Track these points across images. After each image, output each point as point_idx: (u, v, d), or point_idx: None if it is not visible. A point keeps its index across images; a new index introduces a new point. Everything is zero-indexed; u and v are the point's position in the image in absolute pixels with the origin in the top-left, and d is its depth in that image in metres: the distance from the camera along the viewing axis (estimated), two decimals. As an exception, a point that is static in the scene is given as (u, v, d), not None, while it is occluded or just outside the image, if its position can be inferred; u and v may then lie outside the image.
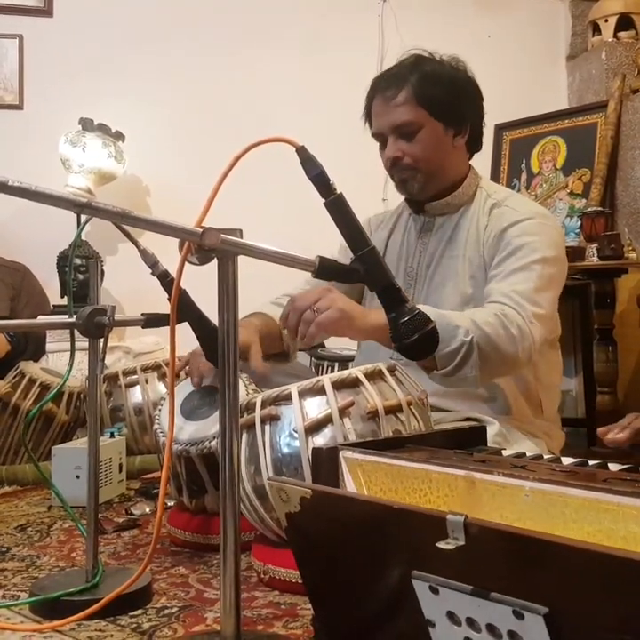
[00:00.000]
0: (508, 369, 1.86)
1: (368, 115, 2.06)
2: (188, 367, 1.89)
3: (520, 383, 2.00)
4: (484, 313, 1.79)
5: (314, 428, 1.48)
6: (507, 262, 1.90)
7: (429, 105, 1.95)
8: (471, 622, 0.81)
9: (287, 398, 1.53)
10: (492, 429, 1.79)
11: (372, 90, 2.04)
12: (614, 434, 1.39)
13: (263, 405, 1.54)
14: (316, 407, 1.50)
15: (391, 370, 1.61)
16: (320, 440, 1.47)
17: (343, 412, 1.49)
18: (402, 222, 2.17)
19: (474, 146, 2.08)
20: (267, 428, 1.52)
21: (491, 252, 1.95)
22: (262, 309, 2.10)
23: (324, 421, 1.49)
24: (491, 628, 0.79)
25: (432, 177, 2.01)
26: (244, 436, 1.55)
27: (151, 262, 1.52)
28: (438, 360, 1.72)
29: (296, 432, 1.49)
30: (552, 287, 1.92)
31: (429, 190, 2.04)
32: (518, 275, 1.87)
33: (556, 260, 1.95)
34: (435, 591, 0.83)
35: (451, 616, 0.83)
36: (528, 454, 1.14)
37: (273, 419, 1.52)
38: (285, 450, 1.50)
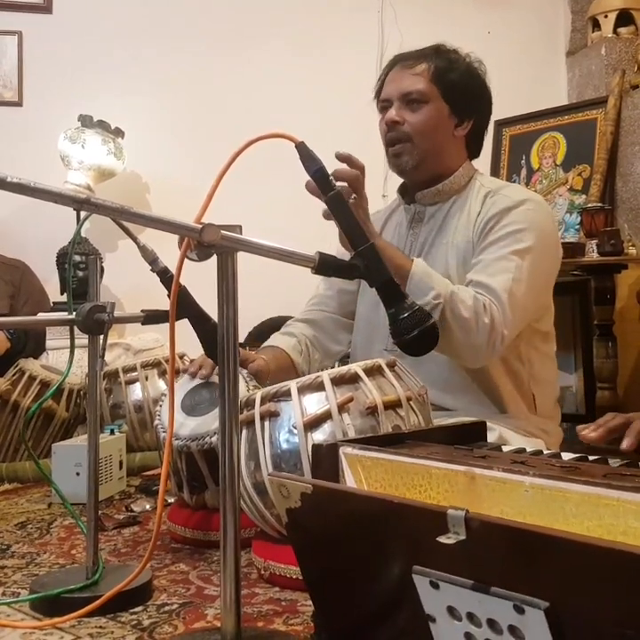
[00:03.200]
0: (468, 354, 1.85)
1: (381, 86, 2.07)
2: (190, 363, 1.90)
3: (513, 379, 2.00)
4: (466, 292, 1.80)
5: (313, 423, 1.48)
6: (490, 249, 1.90)
7: (443, 85, 1.99)
8: (471, 617, 0.81)
9: (286, 394, 1.53)
10: (492, 436, 1.78)
11: (392, 61, 2.08)
12: (589, 431, 1.40)
13: (262, 402, 1.54)
14: (315, 403, 1.50)
15: (390, 365, 1.61)
16: (319, 436, 1.47)
17: (342, 407, 1.49)
18: (393, 219, 2.18)
19: (473, 146, 2.10)
20: (266, 424, 1.52)
21: (478, 237, 1.95)
22: (273, 342, 2.12)
23: (324, 417, 1.49)
24: (491, 623, 0.79)
25: (425, 155, 2.01)
26: (244, 432, 1.55)
27: (151, 259, 1.52)
28: None
29: (295, 428, 1.49)
30: (532, 278, 1.90)
31: (421, 171, 2.04)
32: (497, 264, 1.87)
33: (543, 250, 1.94)
34: (435, 586, 0.83)
35: (451, 611, 0.83)
36: (528, 450, 1.14)
37: (272, 415, 1.52)
38: (285, 446, 1.50)
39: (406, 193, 2.13)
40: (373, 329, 2.08)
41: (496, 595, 0.78)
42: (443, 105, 2.00)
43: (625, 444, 1.33)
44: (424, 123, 1.99)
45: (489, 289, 1.82)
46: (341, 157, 1.67)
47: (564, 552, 0.71)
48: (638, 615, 0.68)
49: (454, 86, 2.00)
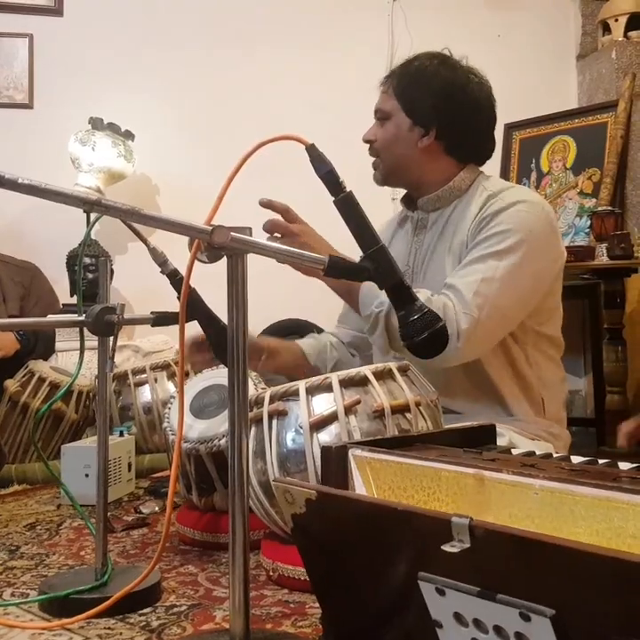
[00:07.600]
0: None
1: None
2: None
3: (521, 382, 1.99)
4: (421, 294, 1.79)
5: (319, 424, 1.48)
6: (472, 251, 1.90)
7: (404, 99, 2.04)
8: (478, 623, 0.80)
9: (295, 394, 1.53)
10: (502, 442, 1.78)
11: None
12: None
13: (272, 400, 1.54)
14: (323, 404, 1.50)
15: (403, 370, 1.60)
16: (325, 437, 1.48)
17: (349, 409, 1.49)
18: (402, 228, 2.19)
19: (459, 152, 2.05)
20: (274, 422, 1.52)
21: (470, 240, 1.93)
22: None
23: (330, 418, 1.49)
24: (498, 630, 0.79)
25: (390, 170, 2.09)
26: (253, 430, 1.55)
27: (161, 261, 1.52)
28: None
29: (302, 428, 1.49)
30: (512, 278, 1.85)
31: (391, 183, 2.16)
32: (471, 266, 1.86)
33: (529, 251, 1.88)
34: (441, 593, 0.83)
35: (458, 617, 0.82)
36: (538, 453, 1.14)
37: (280, 414, 1.52)
38: (291, 445, 1.50)
39: (411, 201, 2.14)
40: None
41: (502, 602, 0.77)
42: (404, 119, 2.03)
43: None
44: (384, 139, 2.07)
45: (454, 290, 1.82)
46: (263, 204, 1.88)
47: (569, 560, 0.71)
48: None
49: (414, 99, 2.02)
